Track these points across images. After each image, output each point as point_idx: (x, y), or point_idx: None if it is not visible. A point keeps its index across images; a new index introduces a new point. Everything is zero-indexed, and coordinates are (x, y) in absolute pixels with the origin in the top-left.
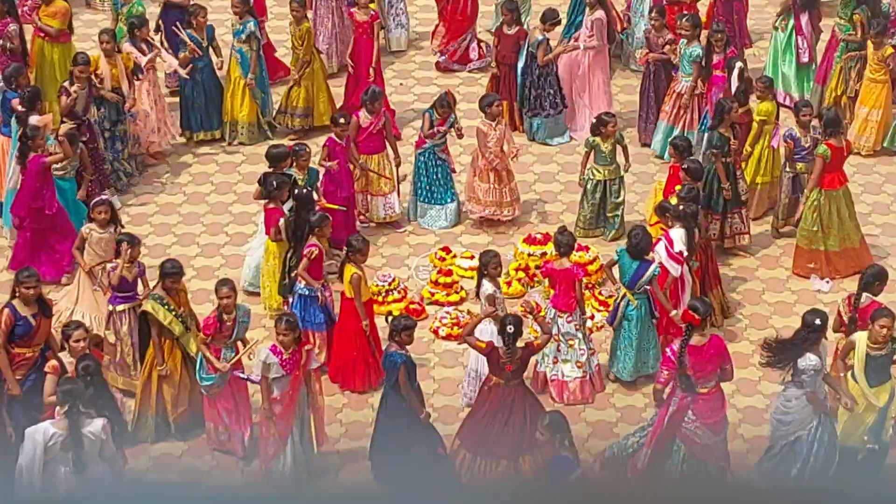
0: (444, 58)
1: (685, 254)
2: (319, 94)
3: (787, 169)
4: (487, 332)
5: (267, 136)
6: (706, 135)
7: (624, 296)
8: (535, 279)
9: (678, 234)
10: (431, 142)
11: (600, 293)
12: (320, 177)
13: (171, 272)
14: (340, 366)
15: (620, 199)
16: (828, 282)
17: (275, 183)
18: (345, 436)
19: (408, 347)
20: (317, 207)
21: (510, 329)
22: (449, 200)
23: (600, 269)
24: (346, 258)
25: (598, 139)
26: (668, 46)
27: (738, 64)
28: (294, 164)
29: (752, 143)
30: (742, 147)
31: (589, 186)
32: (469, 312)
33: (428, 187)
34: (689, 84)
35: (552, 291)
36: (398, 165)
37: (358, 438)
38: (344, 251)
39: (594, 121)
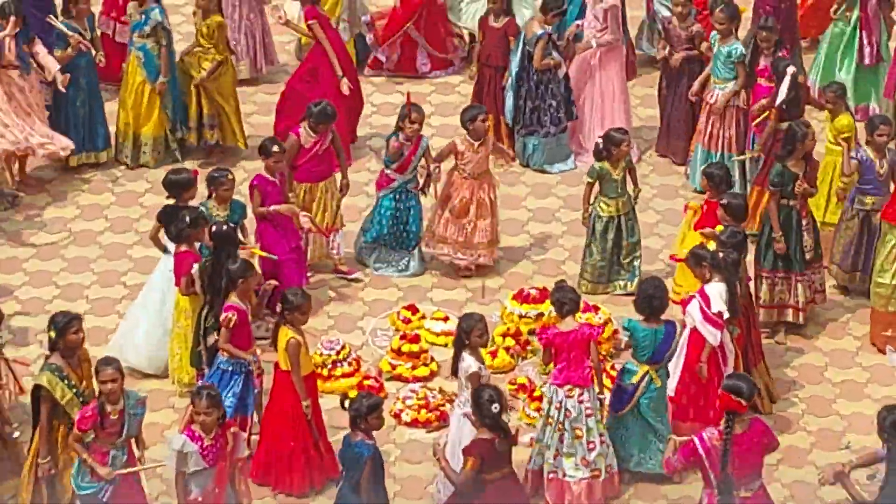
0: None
1: (725, 316)
2: (226, 106)
3: (855, 205)
4: (467, 430)
5: (175, 158)
6: (772, 169)
7: (645, 375)
8: (529, 348)
9: (717, 289)
10: (400, 178)
11: (613, 367)
12: (246, 212)
13: (66, 324)
14: (272, 461)
15: (637, 237)
16: None
17: (188, 218)
18: None
19: (375, 435)
20: (239, 251)
21: (493, 407)
22: (416, 244)
23: (613, 335)
24: (282, 318)
25: (605, 165)
26: (697, 41)
27: (791, 69)
28: (213, 194)
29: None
30: (814, 186)
31: (598, 226)
32: (441, 392)
33: (394, 236)
34: (729, 90)
35: (551, 366)
36: (344, 192)
37: None
38: (279, 308)
39: (600, 140)
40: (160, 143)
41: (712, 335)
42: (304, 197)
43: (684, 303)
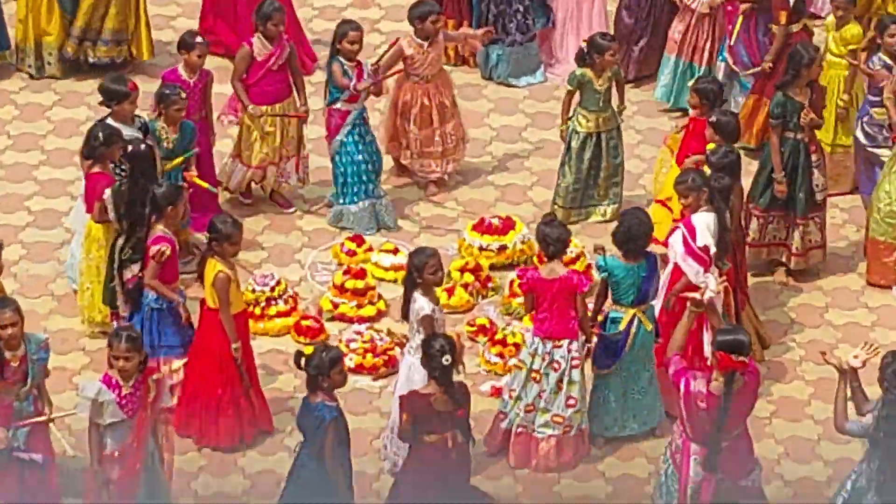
0: None
1: (713, 250)
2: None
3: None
4: (417, 379)
5: (80, 68)
6: (773, 99)
7: (632, 319)
8: (490, 285)
9: (704, 219)
10: (355, 108)
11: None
12: (196, 136)
13: None
14: (197, 410)
15: (620, 158)
16: None
17: (100, 135)
18: None
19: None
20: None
21: (444, 359)
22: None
23: (586, 271)
24: (209, 250)
25: (588, 72)
26: None
27: None
28: (161, 113)
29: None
30: (821, 115)
31: (574, 143)
32: (390, 333)
33: (358, 185)
34: None
35: (528, 317)
36: (305, 119)
37: None
38: (204, 237)
39: (583, 45)
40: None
41: (694, 271)
42: (253, 123)
43: (668, 233)
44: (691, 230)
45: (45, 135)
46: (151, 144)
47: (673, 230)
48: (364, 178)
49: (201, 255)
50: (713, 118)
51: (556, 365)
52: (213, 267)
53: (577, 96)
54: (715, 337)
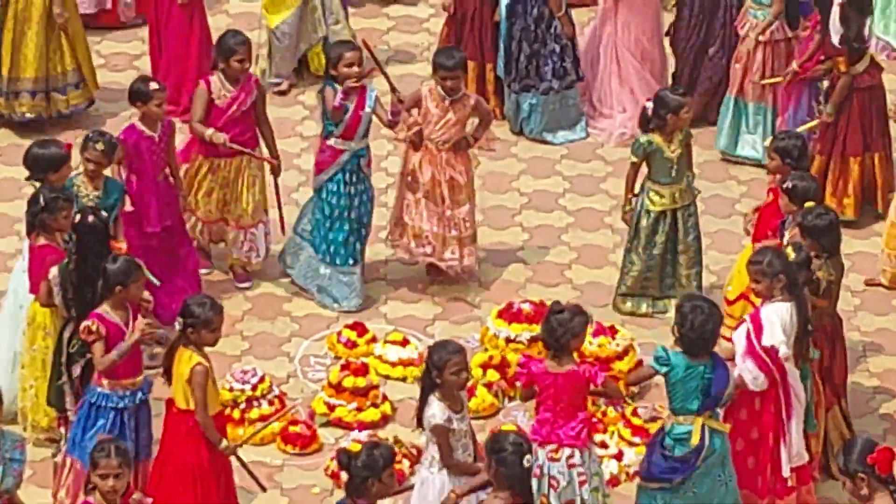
0: None
1: (783, 352)
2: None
3: None
4: (432, 495)
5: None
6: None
7: (703, 430)
8: (518, 384)
9: (777, 311)
10: (352, 146)
11: (635, 413)
12: (124, 197)
13: None
14: None
15: (698, 239)
16: None
17: (44, 200)
18: None
19: None
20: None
21: (525, 460)
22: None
23: (637, 367)
24: (182, 338)
25: (655, 138)
26: None
27: None
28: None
29: None
30: None
31: (644, 223)
32: (397, 443)
33: (341, 238)
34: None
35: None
36: (277, 173)
37: None
38: (177, 325)
39: (650, 104)
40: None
41: (752, 376)
42: (209, 179)
43: (735, 328)
44: (757, 326)
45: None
46: (104, 216)
47: (740, 323)
48: (351, 237)
49: (170, 345)
50: (787, 184)
51: (553, 482)
52: (189, 359)
53: (643, 167)
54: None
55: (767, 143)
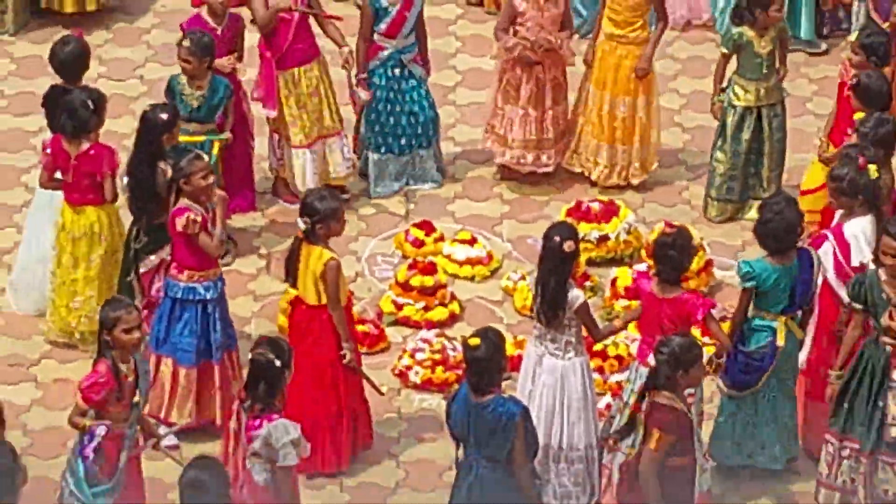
0: None
1: (872, 267)
2: None
3: None
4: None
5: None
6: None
7: (786, 332)
8: (588, 284)
9: (860, 227)
10: (394, 44)
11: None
12: (232, 93)
13: None
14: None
15: (784, 140)
16: None
17: (90, 102)
18: None
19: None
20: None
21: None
22: (426, 142)
23: (704, 270)
24: (311, 233)
25: (748, 31)
26: None
27: None
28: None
29: None
30: None
31: (730, 120)
32: (464, 340)
33: (393, 129)
34: None
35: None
36: (349, 63)
37: None
38: (302, 224)
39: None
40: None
41: (848, 299)
42: (288, 92)
43: (815, 242)
44: (844, 246)
45: None
46: (170, 115)
47: (821, 239)
48: (396, 129)
49: (293, 244)
50: (855, 80)
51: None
52: (320, 255)
53: (733, 61)
54: None
55: (853, 37)
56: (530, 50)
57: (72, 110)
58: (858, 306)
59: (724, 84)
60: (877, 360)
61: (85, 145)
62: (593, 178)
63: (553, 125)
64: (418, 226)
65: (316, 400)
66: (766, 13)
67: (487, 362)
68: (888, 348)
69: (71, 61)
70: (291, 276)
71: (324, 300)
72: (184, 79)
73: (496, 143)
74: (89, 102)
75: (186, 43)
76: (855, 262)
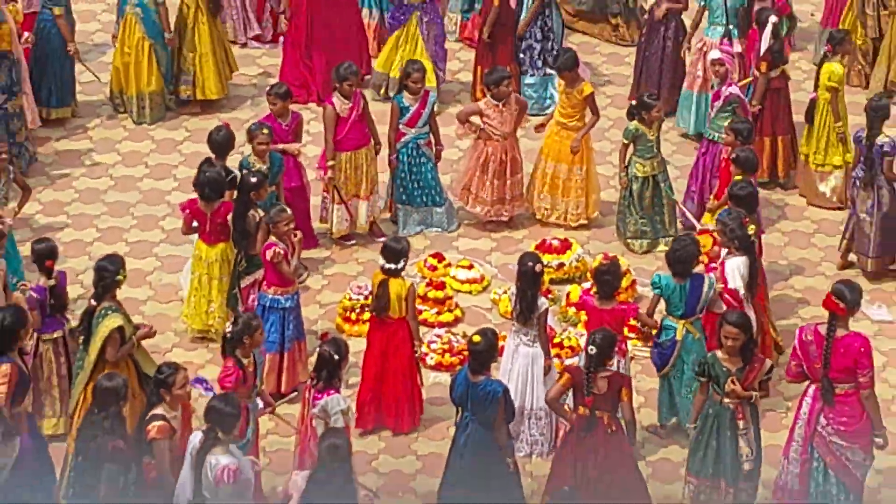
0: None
1: (742, 293)
2: (206, 58)
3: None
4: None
5: (168, 108)
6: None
7: (684, 332)
8: (550, 296)
9: (735, 264)
10: (413, 132)
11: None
12: (283, 165)
13: (113, 271)
14: (376, 404)
15: (672, 195)
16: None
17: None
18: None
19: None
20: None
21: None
22: (440, 201)
23: (632, 286)
24: (393, 272)
25: (640, 126)
26: None
27: (772, 18)
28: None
29: (819, 122)
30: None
31: (635, 187)
32: (465, 336)
33: (413, 190)
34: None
35: (572, 312)
36: (378, 152)
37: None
38: (391, 266)
39: (634, 103)
40: (158, 98)
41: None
42: (346, 167)
43: (708, 269)
44: (723, 275)
45: (176, 165)
46: (262, 175)
47: (711, 270)
48: (415, 191)
49: (380, 281)
50: (734, 154)
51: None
52: (402, 283)
53: (631, 148)
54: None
55: (726, 123)
56: (478, 131)
57: (212, 182)
58: (703, 379)
59: (626, 163)
60: (722, 415)
61: (216, 205)
62: (543, 220)
63: (511, 190)
64: (433, 256)
65: (398, 382)
66: (650, 113)
67: (484, 353)
68: (731, 406)
69: (222, 143)
70: (381, 301)
71: (405, 313)
72: (252, 159)
73: (473, 202)
74: (225, 176)
75: (265, 131)
76: (731, 286)
